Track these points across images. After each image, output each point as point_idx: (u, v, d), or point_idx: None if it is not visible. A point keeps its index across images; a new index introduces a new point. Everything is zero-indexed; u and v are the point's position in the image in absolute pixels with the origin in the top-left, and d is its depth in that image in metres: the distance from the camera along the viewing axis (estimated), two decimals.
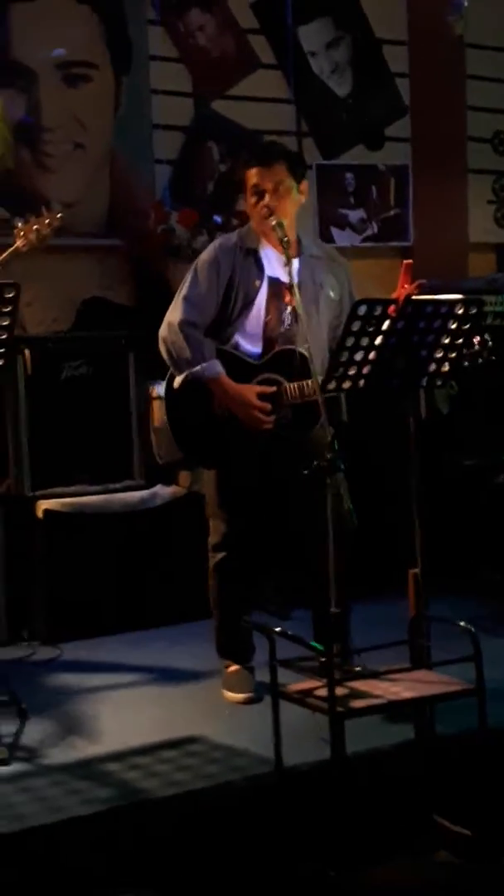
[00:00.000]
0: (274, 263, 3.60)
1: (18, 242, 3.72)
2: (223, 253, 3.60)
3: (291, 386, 3.50)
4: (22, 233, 3.72)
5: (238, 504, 3.63)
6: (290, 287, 3.40)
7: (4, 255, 3.69)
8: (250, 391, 3.52)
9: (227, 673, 3.71)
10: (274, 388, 3.53)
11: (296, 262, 3.50)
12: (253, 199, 3.56)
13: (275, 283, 3.59)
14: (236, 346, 3.59)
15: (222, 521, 3.65)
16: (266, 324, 3.58)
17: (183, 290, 3.57)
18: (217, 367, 3.50)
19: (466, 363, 3.26)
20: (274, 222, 3.48)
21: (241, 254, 3.59)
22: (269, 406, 3.51)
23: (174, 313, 3.55)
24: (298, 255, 3.57)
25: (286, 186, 3.55)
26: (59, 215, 3.76)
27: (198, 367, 3.48)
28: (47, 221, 3.74)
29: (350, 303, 3.64)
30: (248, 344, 3.58)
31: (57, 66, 5.03)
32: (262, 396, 3.52)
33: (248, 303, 3.57)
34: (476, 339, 3.22)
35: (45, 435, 4.44)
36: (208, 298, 3.55)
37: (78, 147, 5.08)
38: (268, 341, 3.59)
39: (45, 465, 4.45)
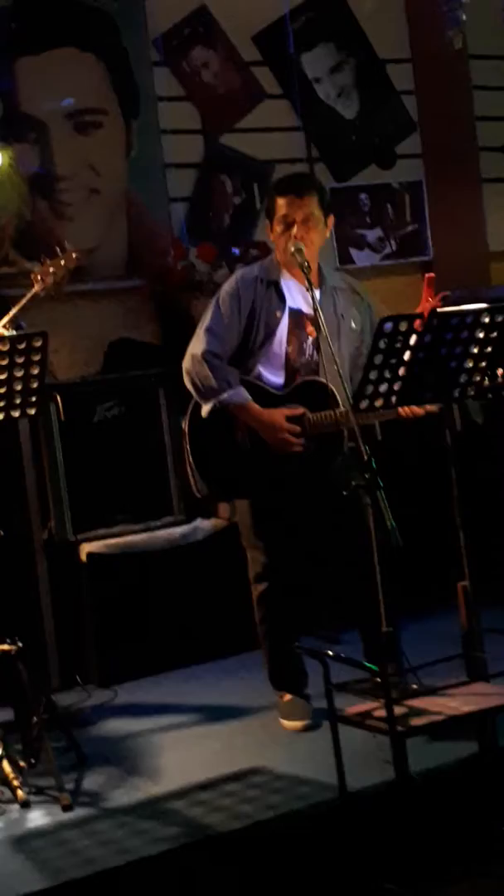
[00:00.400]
0: (295, 295, 3.62)
1: (36, 287, 3.74)
2: (244, 285, 3.62)
3: (315, 416, 3.50)
4: (39, 277, 3.75)
5: (273, 532, 3.62)
6: (314, 312, 3.40)
7: (23, 300, 3.72)
8: (279, 414, 3.53)
9: (282, 702, 3.69)
10: (301, 410, 3.53)
11: (317, 293, 3.53)
12: (279, 228, 3.57)
13: (296, 313, 3.61)
14: (259, 377, 3.60)
15: (260, 552, 3.64)
16: (287, 354, 3.60)
17: (205, 322, 3.60)
18: (243, 393, 3.52)
19: (489, 392, 3.23)
20: (293, 248, 3.49)
21: (263, 286, 3.62)
22: (298, 428, 3.51)
23: (197, 345, 3.57)
24: (320, 285, 3.59)
25: (315, 219, 3.57)
26: (74, 255, 3.78)
27: (225, 395, 3.49)
28: (62, 262, 3.76)
29: (370, 336, 3.65)
30: (271, 374, 3.60)
31: (67, 115, 5.10)
32: (289, 419, 3.52)
33: (270, 333, 3.59)
34: (501, 372, 3.19)
35: (82, 478, 4.47)
36: (230, 329, 3.57)
37: (93, 193, 5.14)
38: (290, 371, 3.60)
39: (85, 508, 4.47)
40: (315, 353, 3.57)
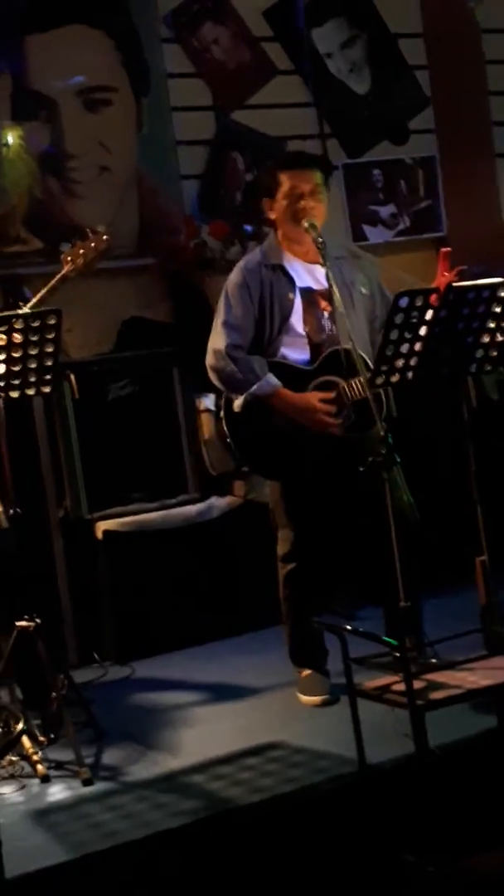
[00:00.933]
0: (302, 273, 3.61)
1: (66, 268, 3.72)
2: (249, 273, 3.61)
3: (350, 384, 3.48)
4: (69, 258, 3.73)
5: (306, 513, 3.62)
6: (329, 290, 3.39)
7: (52, 281, 3.70)
8: (313, 397, 3.51)
9: (301, 678, 3.70)
10: (333, 393, 3.51)
11: (322, 267, 3.53)
12: (285, 202, 3.55)
13: (307, 292, 3.60)
14: (285, 358, 3.59)
15: (290, 531, 3.63)
16: (307, 334, 3.59)
17: (220, 317, 3.59)
18: (273, 380, 3.50)
19: None
20: (307, 224, 3.48)
21: (269, 270, 3.61)
22: (333, 408, 3.49)
23: (217, 340, 3.55)
24: (324, 259, 3.58)
25: (321, 190, 3.57)
26: (104, 237, 3.76)
27: (255, 387, 3.48)
28: (93, 245, 3.74)
29: (381, 295, 3.64)
30: (297, 354, 3.58)
31: (76, 93, 5.08)
32: (323, 401, 3.51)
33: (286, 317, 3.58)
34: None
35: (97, 457, 4.47)
36: (245, 319, 3.56)
37: (104, 171, 5.13)
38: (314, 349, 3.59)
39: (101, 486, 4.48)
40: (333, 326, 3.55)
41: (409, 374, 3.06)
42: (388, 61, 5.71)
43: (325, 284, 3.48)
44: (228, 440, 3.56)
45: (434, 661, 2.97)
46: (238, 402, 3.51)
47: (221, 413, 3.59)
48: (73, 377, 4.43)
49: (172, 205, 5.22)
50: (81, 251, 3.73)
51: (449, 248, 3.35)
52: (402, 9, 5.72)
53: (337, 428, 3.50)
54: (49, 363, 3.20)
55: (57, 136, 5.04)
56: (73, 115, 5.07)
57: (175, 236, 5.11)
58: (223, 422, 3.58)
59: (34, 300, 3.69)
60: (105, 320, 5.03)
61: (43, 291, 3.69)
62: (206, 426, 4.67)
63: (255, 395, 3.49)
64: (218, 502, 4.64)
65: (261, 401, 3.50)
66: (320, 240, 3.44)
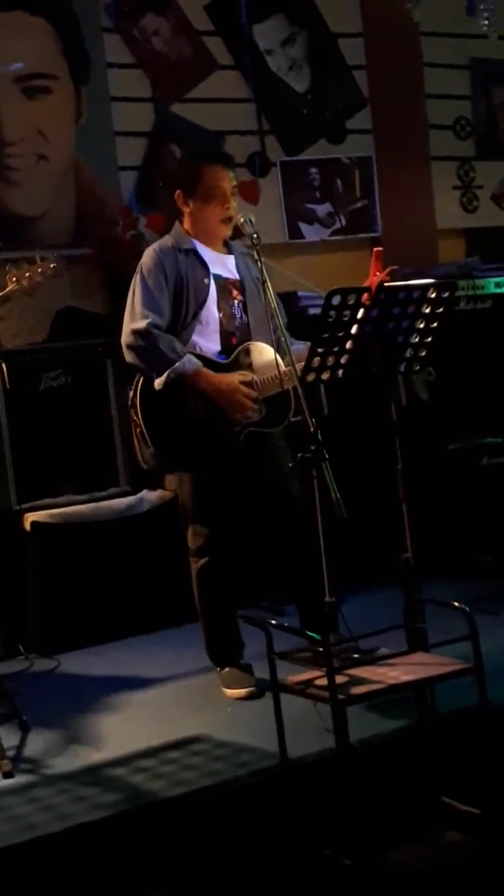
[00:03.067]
0: (213, 260, 3.63)
1: (10, 287, 3.81)
2: (165, 255, 3.60)
3: (262, 378, 3.51)
4: (14, 278, 3.81)
5: (217, 506, 3.62)
6: (239, 277, 3.48)
7: None
8: (234, 377, 3.52)
9: (223, 673, 3.71)
10: (251, 376, 3.54)
11: (231, 258, 3.63)
12: (212, 200, 3.57)
13: (219, 279, 3.62)
14: (196, 348, 3.57)
15: (202, 525, 3.63)
16: (220, 321, 3.60)
17: (137, 296, 3.55)
18: (194, 359, 3.50)
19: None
20: (242, 219, 3.49)
21: (182, 254, 3.61)
22: (254, 392, 3.51)
23: (136, 321, 3.52)
24: (230, 252, 3.64)
25: (236, 189, 3.63)
26: (52, 265, 3.85)
27: (178, 364, 3.46)
28: (40, 270, 3.83)
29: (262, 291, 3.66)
30: (208, 343, 3.58)
31: (15, 79, 5.03)
32: (242, 383, 3.52)
33: (201, 302, 3.57)
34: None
35: (27, 447, 4.44)
36: (161, 300, 3.54)
37: (41, 159, 5.08)
38: (226, 337, 3.59)
39: (30, 477, 4.44)
40: (244, 315, 3.59)
41: (340, 372, 3.08)
42: (327, 60, 5.74)
43: (235, 274, 3.56)
44: (139, 428, 3.53)
45: (356, 656, 3.00)
46: (159, 381, 3.47)
47: (135, 398, 3.54)
48: (4, 366, 4.39)
49: (110, 195, 5.20)
50: (28, 274, 3.82)
51: (381, 248, 3.38)
52: (343, 8, 5.76)
53: (257, 414, 3.51)
54: None
55: None
56: (11, 102, 5.01)
57: (112, 227, 5.09)
58: (137, 408, 3.53)
59: None
60: (39, 310, 4.98)
61: None
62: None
63: (178, 372, 3.46)
64: (149, 496, 4.63)
65: (181, 381, 3.47)
66: (255, 234, 3.45)
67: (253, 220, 3.49)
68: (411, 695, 3.07)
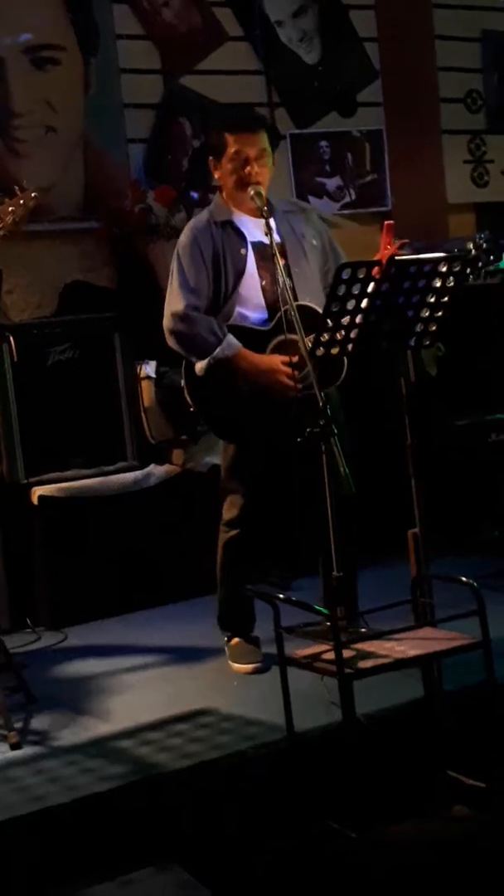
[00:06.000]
0: (252, 229, 3.58)
1: None
2: (199, 232, 3.57)
3: (309, 339, 3.45)
4: None
5: (258, 480, 3.60)
6: (279, 245, 3.36)
7: None
8: (275, 358, 3.48)
9: (230, 645, 3.71)
10: (296, 357, 3.48)
11: (272, 222, 3.49)
12: (231, 166, 3.53)
13: (258, 246, 3.57)
14: (241, 319, 3.55)
15: (240, 496, 3.60)
16: (263, 289, 3.56)
17: (175, 280, 3.54)
18: (234, 341, 3.47)
19: (470, 271, 3.23)
20: (252, 192, 3.47)
21: (218, 228, 3.57)
22: (295, 372, 3.46)
23: (175, 303, 3.50)
24: (272, 214, 3.56)
25: (267, 153, 3.55)
26: (33, 195, 3.68)
27: (217, 349, 3.44)
28: (21, 202, 3.65)
29: (331, 248, 3.63)
30: (252, 313, 3.55)
31: (24, 50, 4.99)
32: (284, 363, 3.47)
33: (240, 273, 3.54)
34: (470, 246, 3.20)
35: (35, 421, 4.43)
36: (200, 279, 3.52)
37: (50, 131, 5.05)
38: (270, 304, 3.55)
39: (38, 451, 4.44)
40: (288, 279, 3.53)
41: (349, 347, 3.07)
42: (338, 32, 5.68)
43: (277, 237, 3.44)
44: (192, 409, 3.51)
45: (364, 630, 3.00)
46: (200, 366, 3.47)
47: (183, 382, 3.53)
48: (12, 340, 4.37)
49: (118, 168, 5.16)
50: (11, 209, 3.63)
51: (392, 222, 3.35)
52: None
53: (296, 390, 3.47)
54: None
55: (2, 93, 4.95)
56: (19, 73, 4.98)
57: (120, 201, 5.06)
58: (185, 389, 3.52)
59: None
60: (47, 283, 4.98)
61: None
62: (147, 393, 4.65)
63: (217, 357, 3.45)
64: (156, 470, 4.63)
65: (223, 363, 3.47)
66: (265, 208, 3.43)
67: (262, 192, 3.47)
68: (418, 669, 3.07)
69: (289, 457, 3.52)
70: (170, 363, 4.30)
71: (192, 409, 3.56)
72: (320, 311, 3.29)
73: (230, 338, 3.47)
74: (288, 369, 3.45)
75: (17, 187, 3.72)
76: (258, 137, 3.53)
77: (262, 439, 3.53)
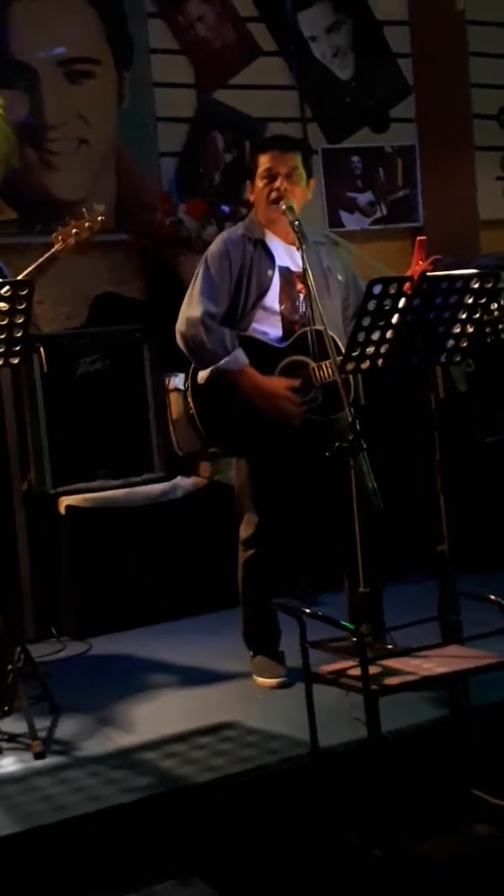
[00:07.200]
0: (281, 253, 3.60)
1: (57, 247, 3.59)
2: (232, 244, 3.58)
3: (320, 365, 3.47)
4: (61, 237, 3.61)
5: (271, 496, 3.60)
6: (303, 272, 3.38)
7: (40, 260, 3.55)
8: (280, 382, 3.48)
9: (255, 660, 3.71)
10: (299, 381, 3.49)
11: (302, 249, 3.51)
12: (262, 183, 3.55)
13: (285, 271, 3.59)
14: (255, 334, 3.55)
15: (255, 514, 3.61)
16: (282, 313, 3.57)
17: (196, 285, 3.55)
18: (241, 357, 3.47)
19: (489, 332, 3.24)
20: (284, 206, 3.48)
21: (250, 244, 3.58)
22: (297, 399, 3.47)
23: (191, 308, 3.52)
24: (304, 241, 3.57)
25: (299, 174, 3.55)
26: (100, 217, 3.65)
27: (222, 361, 3.45)
28: (87, 224, 3.63)
29: (354, 284, 3.64)
30: (270, 329, 3.56)
31: (58, 63, 5.04)
32: (289, 389, 3.47)
33: (263, 293, 3.55)
34: (494, 307, 3.21)
35: (63, 431, 4.46)
36: (221, 290, 3.53)
37: (83, 143, 5.09)
38: (287, 327, 3.57)
39: (66, 461, 4.46)
40: (307, 309, 3.54)
41: (379, 362, 3.06)
42: (371, 48, 5.70)
43: (302, 267, 3.45)
44: (191, 411, 3.54)
45: (390, 647, 2.98)
46: (203, 374, 3.48)
47: (187, 384, 3.55)
48: (42, 351, 4.41)
49: (150, 181, 5.20)
50: (75, 231, 3.61)
51: (425, 238, 3.35)
52: None
53: (298, 419, 3.48)
54: (19, 335, 3.15)
55: (37, 106, 5.00)
56: (53, 86, 5.02)
57: (151, 213, 5.08)
58: (188, 393, 3.55)
59: (21, 277, 3.55)
60: (77, 294, 5.00)
61: (30, 269, 3.52)
62: (175, 405, 4.66)
63: (221, 369, 3.46)
64: (183, 482, 4.64)
65: (226, 376, 3.48)
66: (296, 222, 3.44)
67: (294, 206, 3.48)
68: (445, 687, 3.05)
69: (298, 474, 3.52)
70: None
71: (191, 412, 3.55)
72: (341, 343, 3.29)
73: (239, 353, 3.47)
74: (292, 396, 3.46)
75: (84, 209, 3.70)
76: (290, 157, 3.55)
77: (268, 455, 3.52)
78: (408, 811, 2.86)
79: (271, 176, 3.53)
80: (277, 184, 3.51)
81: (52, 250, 3.60)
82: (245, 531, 3.66)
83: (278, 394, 3.47)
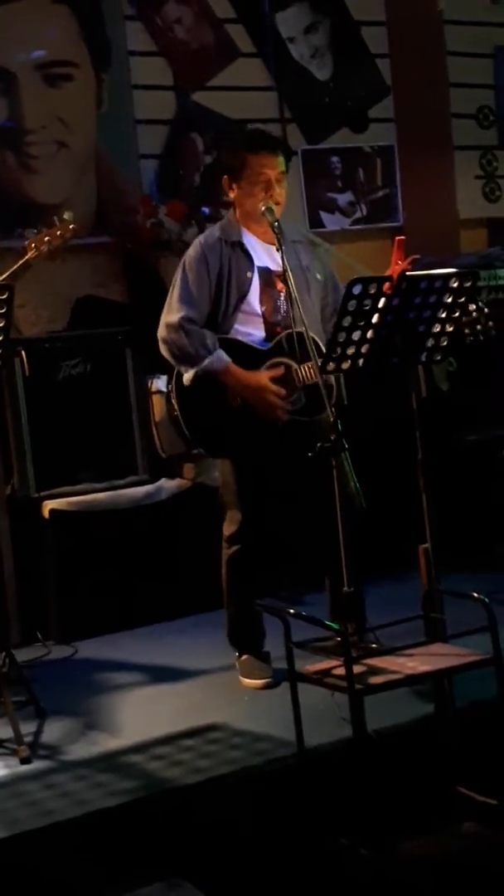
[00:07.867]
0: (260, 253, 3.60)
1: (29, 254, 3.63)
2: (210, 248, 3.58)
3: (302, 367, 3.48)
4: (33, 244, 3.65)
5: (255, 494, 3.61)
6: (283, 272, 3.39)
7: (14, 267, 3.59)
8: (264, 376, 3.50)
9: (241, 661, 3.71)
10: (282, 371, 3.51)
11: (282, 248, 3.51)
12: (253, 188, 3.51)
13: (264, 271, 3.59)
14: (237, 336, 3.56)
15: (239, 512, 3.62)
16: (263, 315, 3.58)
17: (175, 291, 3.56)
18: (223, 356, 3.48)
19: (468, 333, 3.25)
20: (263, 207, 3.48)
21: (228, 247, 3.58)
22: (283, 391, 3.49)
23: (171, 313, 3.53)
24: (282, 239, 3.57)
25: (284, 176, 3.57)
26: (71, 226, 3.69)
27: (206, 362, 3.46)
28: (58, 232, 3.67)
29: (333, 285, 3.64)
30: (252, 331, 3.57)
31: (36, 67, 5.04)
32: (273, 380, 3.50)
33: (243, 295, 3.56)
34: (472, 308, 3.22)
35: (46, 435, 4.45)
36: (201, 294, 3.54)
37: (62, 147, 5.09)
38: (270, 328, 3.58)
39: (49, 465, 4.45)
40: (288, 308, 3.54)
41: (360, 362, 3.06)
42: (350, 48, 5.72)
43: (282, 266, 3.46)
44: (176, 413, 3.54)
45: (375, 646, 2.99)
46: (188, 376, 3.49)
47: (171, 387, 3.56)
48: (24, 354, 4.40)
49: (130, 184, 5.19)
50: (46, 238, 3.65)
51: (403, 237, 3.36)
52: None
53: (284, 412, 3.50)
54: (0, 338, 3.16)
55: (15, 109, 4.99)
56: (32, 90, 5.02)
57: (132, 216, 5.08)
58: (173, 396, 3.55)
59: None
60: (59, 298, 5.00)
61: (4, 276, 3.54)
62: (158, 408, 4.66)
63: (205, 369, 3.47)
64: (167, 484, 4.64)
65: (211, 376, 3.48)
66: (276, 224, 3.44)
67: (274, 209, 3.48)
68: (429, 685, 3.06)
69: (281, 475, 3.53)
70: None
71: (176, 414, 3.56)
72: (321, 343, 3.30)
73: (220, 353, 3.49)
74: (277, 388, 3.47)
75: (55, 217, 3.73)
76: (277, 159, 3.55)
77: (251, 455, 3.53)
78: (394, 810, 2.86)
79: (262, 180, 3.51)
80: (278, 191, 3.52)
81: (25, 258, 3.65)
82: (228, 528, 3.66)
83: (264, 386, 3.48)
